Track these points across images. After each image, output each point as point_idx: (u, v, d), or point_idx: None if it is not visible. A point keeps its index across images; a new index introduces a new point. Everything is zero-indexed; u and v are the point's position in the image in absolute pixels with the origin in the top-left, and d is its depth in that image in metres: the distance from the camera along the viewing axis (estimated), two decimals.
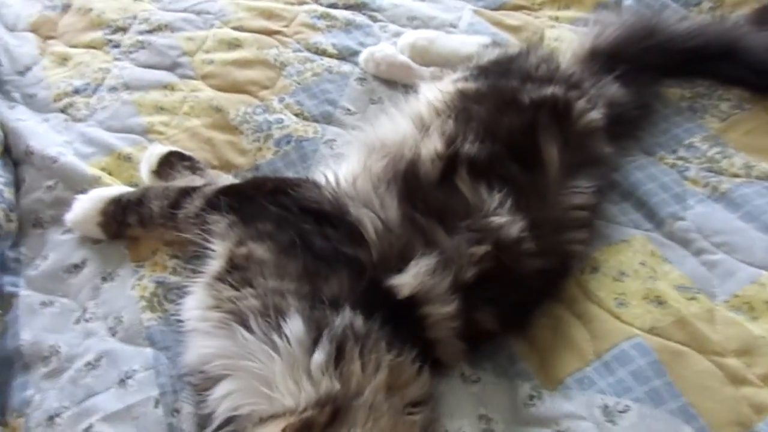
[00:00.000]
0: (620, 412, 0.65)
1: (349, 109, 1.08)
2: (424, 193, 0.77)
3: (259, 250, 0.73)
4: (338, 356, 0.62)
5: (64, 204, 0.95)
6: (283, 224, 0.76)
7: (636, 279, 0.79)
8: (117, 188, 0.94)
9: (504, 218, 0.74)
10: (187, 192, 0.85)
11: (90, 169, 0.98)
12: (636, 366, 0.68)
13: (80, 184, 0.96)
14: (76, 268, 0.89)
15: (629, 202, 0.92)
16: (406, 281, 0.70)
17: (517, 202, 0.76)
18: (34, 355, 0.80)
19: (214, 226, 0.78)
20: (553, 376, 0.71)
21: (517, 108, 0.84)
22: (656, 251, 0.83)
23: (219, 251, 0.75)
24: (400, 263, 0.71)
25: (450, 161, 0.79)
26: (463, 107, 0.85)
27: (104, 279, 0.87)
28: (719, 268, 0.80)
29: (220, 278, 0.72)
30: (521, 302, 0.76)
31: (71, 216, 0.91)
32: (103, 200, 0.90)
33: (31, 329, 0.83)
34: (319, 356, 0.62)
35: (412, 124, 0.87)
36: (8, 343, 0.82)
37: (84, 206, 0.91)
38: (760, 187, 0.89)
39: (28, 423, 0.74)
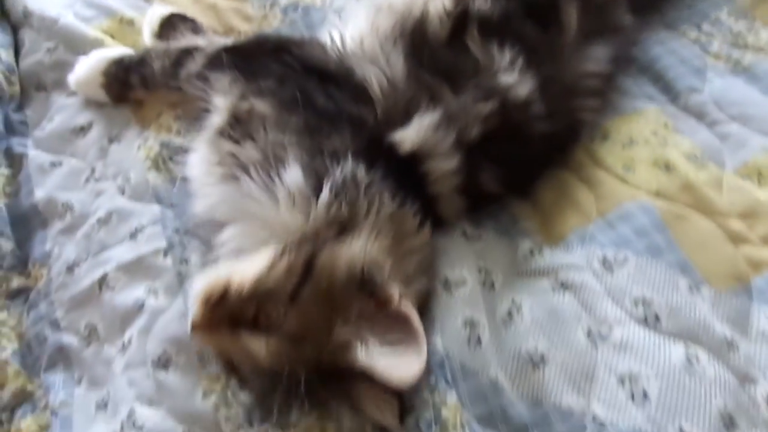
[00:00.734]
0: (619, 262, 0.66)
1: None
2: (432, 51, 0.75)
3: (261, 105, 0.72)
4: (343, 197, 0.63)
5: (65, 66, 0.93)
6: (286, 81, 0.74)
7: (646, 147, 0.78)
8: (119, 49, 0.92)
9: (514, 77, 0.72)
10: (189, 51, 0.83)
11: (92, 31, 0.95)
12: (638, 223, 0.69)
13: (82, 46, 0.94)
14: (83, 130, 0.89)
15: (646, 76, 0.88)
16: (409, 136, 0.69)
17: (528, 62, 0.73)
18: (50, 212, 0.83)
19: (217, 83, 0.76)
20: (554, 234, 0.72)
21: None
22: (669, 123, 0.81)
23: (221, 106, 0.74)
24: (404, 119, 0.71)
25: (460, 19, 0.75)
26: None
27: (110, 141, 0.88)
28: (732, 139, 0.78)
29: (222, 133, 0.72)
30: (526, 164, 0.75)
31: (74, 77, 0.90)
32: (105, 61, 0.89)
33: (45, 188, 0.85)
34: (325, 195, 0.63)
35: None
36: (24, 200, 0.85)
37: (86, 67, 0.89)
38: None
39: (50, 273, 0.78)
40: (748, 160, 0.75)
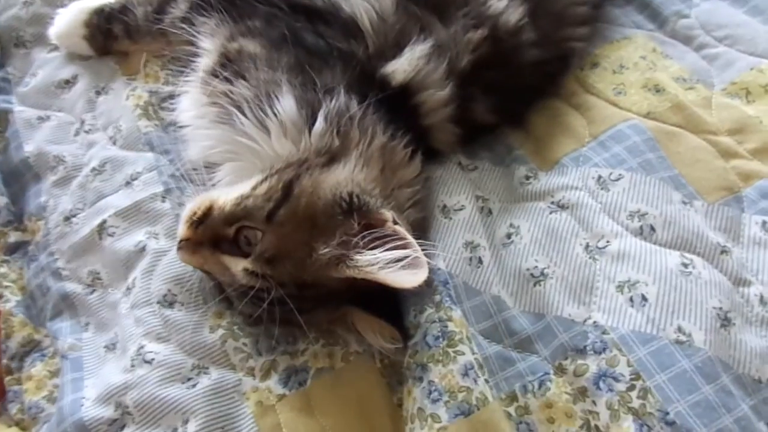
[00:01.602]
0: (613, 180, 0.67)
1: None
2: None
3: (251, 46, 0.71)
4: (335, 128, 0.63)
5: (43, 20, 0.92)
6: (273, 21, 0.74)
7: (635, 71, 0.78)
8: None
9: (503, 3, 0.72)
10: None
11: None
12: (631, 142, 0.70)
13: None
14: (68, 83, 0.88)
15: (632, 4, 0.89)
16: (401, 67, 0.69)
17: None
18: (41, 166, 0.82)
19: (203, 26, 0.75)
20: (549, 159, 0.72)
21: None
22: (657, 48, 0.82)
23: (210, 48, 0.74)
24: (395, 51, 0.70)
25: None
26: None
27: (98, 93, 0.87)
28: (720, 60, 0.79)
29: (213, 73, 0.71)
30: (518, 93, 0.76)
31: (54, 30, 0.88)
32: (85, 11, 0.87)
33: (34, 142, 0.84)
34: (318, 125, 0.63)
35: None
36: (14, 155, 0.84)
37: (66, 19, 0.87)
38: None
39: (47, 225, 0.77)
40: (736, 79, 0.76)
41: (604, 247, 0.62)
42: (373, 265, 0.54)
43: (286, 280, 0.57)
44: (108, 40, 0.87)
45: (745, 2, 0.85)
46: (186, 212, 0.61)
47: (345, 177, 0.61)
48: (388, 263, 0.54)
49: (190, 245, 0.60)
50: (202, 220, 0.60)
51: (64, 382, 0.65)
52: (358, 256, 0.55)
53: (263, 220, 0.58)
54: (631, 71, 0.78)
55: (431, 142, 0.73)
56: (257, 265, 0.57)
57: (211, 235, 0.60)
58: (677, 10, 0.85)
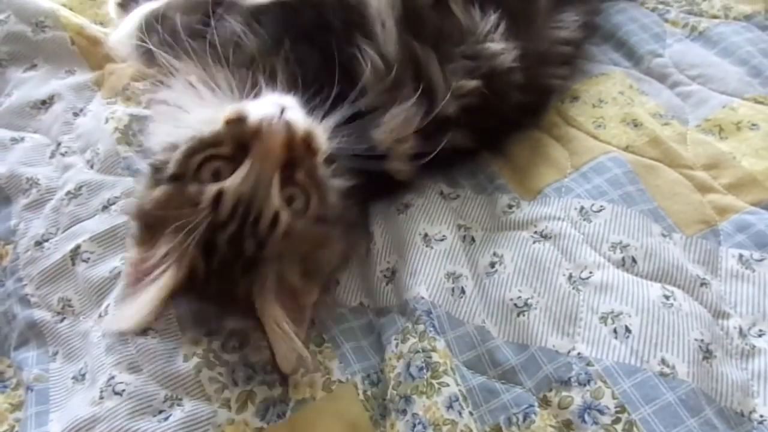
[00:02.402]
0: (595, 211, 0.68)
1: None
2: (419, 13, 0.73)
3: None
4: None
5: (19, 38, 0.90)
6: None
7: (614, 105, 0.80)
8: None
9: (499, 45, 0.72)
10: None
11: (45, 2, 0.92)
12: (611, 174, 0.71)
13: (34, 16, 0.91)
14: (44, 104, 0.86)
15: (609, 43, 0.92)
16: (384, 133, 0.67)
17: (509, 28, 0.73)
18: (12, 188, 0.79)
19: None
20: (531, 188, 0.73)
21: None
22: (634, 84, 0.85)
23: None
24: (388, 104, 0.68)
25: None
26: None
27: (75, 114, 0.85)
28: (693, 98, 0.82)
29: None
30: (499, 126, 0.77)
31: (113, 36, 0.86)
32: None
33: (6, 163, 0.81)
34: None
35: None
36: None
37: (129, 24, 0.84)
38: (737, 27, 0.90)
39: (17, 249, 0.74)
40: (709, 116, 0.79)
41: (587, 278, 0.63)
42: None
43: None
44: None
45: (715, 44, 0.88)
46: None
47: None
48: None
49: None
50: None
51: (27, 416, 0.62)
52: None
53: None
54: (610, 106, 0.80)
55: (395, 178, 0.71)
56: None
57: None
58: (652, 49, 0.88)
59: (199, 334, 0.64)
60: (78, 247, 0.71)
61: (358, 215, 0.70)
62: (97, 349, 0.64)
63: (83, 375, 0.64)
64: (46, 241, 0.74)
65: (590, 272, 0.63)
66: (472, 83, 0.71)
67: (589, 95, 0.82)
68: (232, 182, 0.55)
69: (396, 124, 0.68)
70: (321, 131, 0.61)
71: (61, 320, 0.68)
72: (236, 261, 0.56)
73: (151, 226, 0.59)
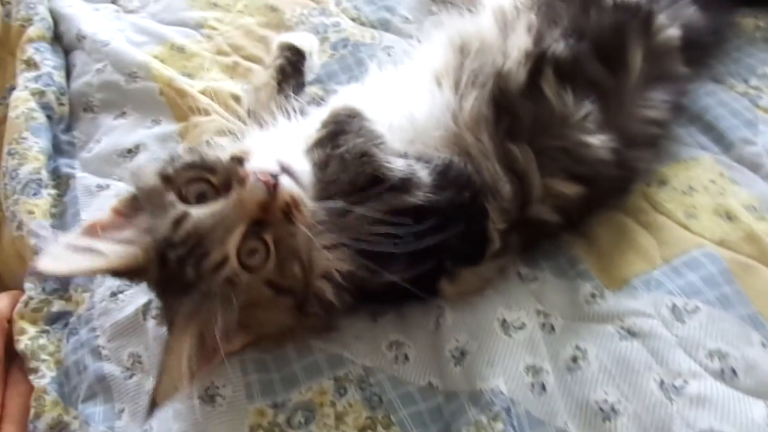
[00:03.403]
0: (689, 311, 0.64)
1: (407, 18, 1.04)
2: (512, 104, 0.71)
3: None
4: None
5: (111, 88, 0.94)
6: None
7: (705, 194, 0.76)
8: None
9: (597, 137, 0.70)
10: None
11: (139, 55, 0.96)
12: (706, 272, 0.67)
13: (129, 67, 0.95)
14: (130, 152, 0.89)
15: (697, 125, 0.88)
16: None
17: (601, 110, 0.71)
18: None
19: None
20: (616, 277, 0.70)
21: (599, 8, 0.80)
22: (725, 173, 0.80)
23: None
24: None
25: (537, 62, 0.72)
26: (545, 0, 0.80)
27: None
28: None
29: None
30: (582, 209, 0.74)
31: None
32: None
33: (90, 211, 0.83)
34: None
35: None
36: (69, 223, 0.83)
37: None
38: None
39: (93, 298, 0.75)
40: None
41: (681, 387, 0.58)
42: None
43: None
44: None
45: None
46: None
47: None
48: None
49: None
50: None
51: None
52: None
53: None
54: (701, 194, 0.77)
55: None
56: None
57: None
58: (743, 136, 0.84)
59: (265, 405, 0.63)
60: (150, 302, 0.72)
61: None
62: (164, 413, 0.63)
63: None
64: (121, 292, 0.74)
65: (685, 381, 0.59)
66: (574, 189, 0.69)
67: (678, 181, 0.79)
68: (197, 213, 0.56)
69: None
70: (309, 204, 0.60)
71: (130, 376, 0.68)
72: (177, 279, 0.56)
73: (133, 201, 0.61)
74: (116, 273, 0.58)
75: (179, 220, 0.56)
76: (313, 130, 0.69)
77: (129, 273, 0.58)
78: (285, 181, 0.58)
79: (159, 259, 0.56)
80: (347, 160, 0.64)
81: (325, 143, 0.66)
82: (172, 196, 0.58)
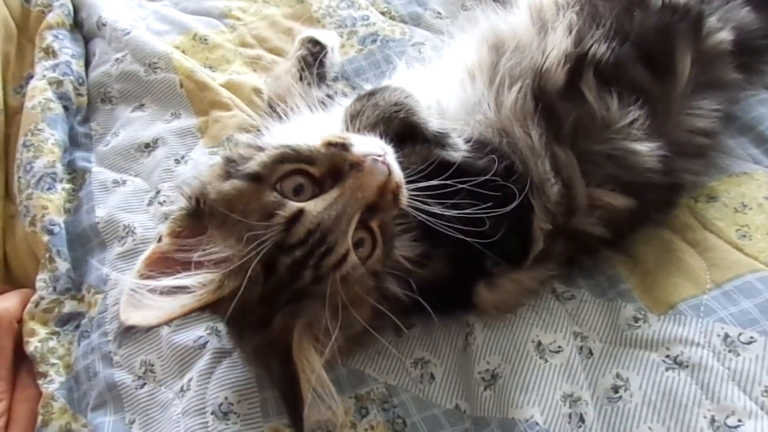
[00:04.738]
0: (744, 343, 0.59)
1: (439, 13, 0.99)
2: (554, 108, 0.66)
3: None
4: None
5: (130, 79, 0.91)
6: None
7: (760, 213, 0.71)
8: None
9: (644, 145, 0.65)
10: None
11: (160, 45, 0.93)
12: (763, 299, 0.62)
13: (149, 57, 0.91)
14: (148, 147, 0.85)
15: (748, 137, 0.82)
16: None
17: (648, 117, 0.66)
18: (110, 233, 0.77)
19: None
20: (661, 301, 0.65)
21: (646, 8, 0.75)
22: None
23: None
24: None
25: (577, 62, 0.68)
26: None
27: (177, 161, 0.83)
28: None
29: None
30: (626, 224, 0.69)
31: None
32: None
33: (106, 207, 0.80)
34: None
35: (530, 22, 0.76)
36: (84, 219, 0.80)
37: None
38: None
39: (106, 301, 0.72)
40: None
41: (735, 427, 0.54)
42: None
43: None
44: None
45: None
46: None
47: None
48: None
49: None
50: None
51: None
52: None
53: None
54: (755, 212, 0.71)
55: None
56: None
57: None
58: None
59: (280, 424, 0.59)
60: None
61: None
62: (175, 427, 0.60)
63: None
64: None
65: (739, 420, 0.54)
66: (621, 201, 0.65)
67: (729, 197, 0.73)
68: (316, 207, 0.51)
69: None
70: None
71: (142, 386, 0.65)
72: (287, 288, 0.51)
73: (206, 215, 0.53)
74: (213, 305, 0.51)
75: (294, 219, 0.50)
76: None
77: (225, 300, 0.50)
78: (392, 161, 0.54)
79: (265, 269, 0.50)
80: (381, 107, 0.62)
81: (361, 98, 0.64)
82: (274, 195, 0.52)
